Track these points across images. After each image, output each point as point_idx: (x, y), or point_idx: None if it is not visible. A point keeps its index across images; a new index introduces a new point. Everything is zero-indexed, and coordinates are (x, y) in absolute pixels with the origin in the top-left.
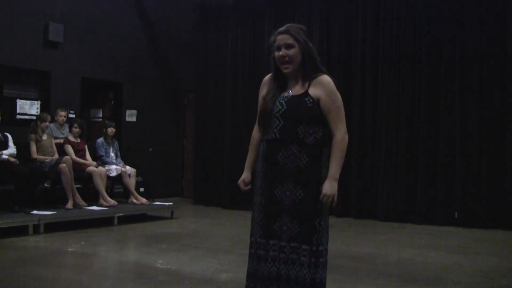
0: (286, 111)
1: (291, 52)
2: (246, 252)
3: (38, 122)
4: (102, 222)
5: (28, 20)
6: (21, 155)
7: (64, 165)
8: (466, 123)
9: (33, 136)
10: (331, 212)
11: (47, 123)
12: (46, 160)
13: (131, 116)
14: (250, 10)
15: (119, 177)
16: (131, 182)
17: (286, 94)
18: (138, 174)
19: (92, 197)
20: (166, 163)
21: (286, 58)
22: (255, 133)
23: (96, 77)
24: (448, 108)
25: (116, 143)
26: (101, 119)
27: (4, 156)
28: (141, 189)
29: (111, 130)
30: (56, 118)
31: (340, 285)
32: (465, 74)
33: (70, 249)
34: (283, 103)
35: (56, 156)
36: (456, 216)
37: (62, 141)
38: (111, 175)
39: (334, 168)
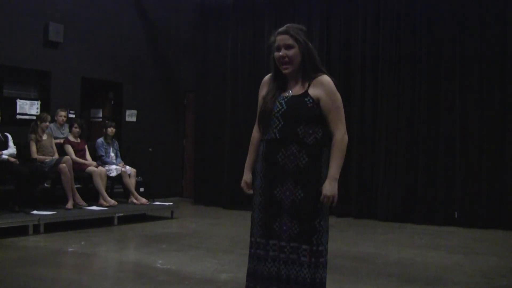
0: (286, 111)
1: (291, 52)
2: (246, 252)
3: (38, 122)
4: (102, 222)
5: (28, 20)
6: (21, 155)
7: (64, 165)
8: (466, 123)
9: (33, 136)
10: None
11: (47, 123)
12: (46, 160)
13: (131, 116)
14: (250, 10)
15: (119, 177)
16: (131, 182)
17: (286, 94)
18: (138, 174)
19: (92, 197)
20: (166, 163)
21: (286, 59)
22: (255, 133)
23: (96, 77)
24: (448, 108)
25: (116, 143)
26: (101, 119)
27: (4, 156)
28: (141, 189)
29: (111, 130)
30: (56, 118)
31: (340, 285)
32: (465, 74)
33: (70, 249)
34: (283, 103)
35: (56, 156)
36: (456, 216)
37: (62, 141)
38: (111, 175)
39: (334, 169)
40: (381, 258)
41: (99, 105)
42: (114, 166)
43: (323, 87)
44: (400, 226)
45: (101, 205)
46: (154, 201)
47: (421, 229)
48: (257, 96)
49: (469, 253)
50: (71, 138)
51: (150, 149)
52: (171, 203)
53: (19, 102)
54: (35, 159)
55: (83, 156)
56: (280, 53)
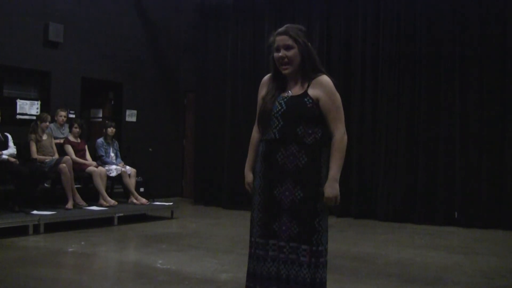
0: (286, 112)
1: (290, 53)
2: (246, 252)
3: (38, 122)
4: (102, 222)
5: (28, 20)
6: (21, 155)
7: (64, 165)
8: (466, 123)
9: (33, 136)
10: (331, 212)
11: (47, 123)
12: (46, 160)
13: (131, 116)
14: (250, 10)
15: (119, 177)
16: (131, 182)
17: (285, 94)
18: (138, 174)
19: (92, 197)
20: (166, 163)
21: (285, 59)
22: (255, 134)
23: (96, 77)
24: (448, 108)
25: (116, 143)
26: (101, 119)
27: (4, 156)
28: (141, 189)
29: (111, 130)
30: (56, 118)
31: (340, 285)
32: (465, 74)
33: (70, 249)
34: (283, 103)
35: (56, 156)
36: (456, 216)
37: (62, 141)
38: (111, 175)
39: (335, 169)
40: (381, 258)
41: (99, 105)
42: (114, 166)
43: (323, 87)
44: (400, 226)
45: (101, 205)
46: (154, 201)
47: (421, 229)
48: (257, 96)
49: (469, 253)
50: (71, 138)
51: (150, 149)
52: (171, 203)
53: (19, 102)
54: (35, 159)
55: (83, 156)
56: (280, 54)
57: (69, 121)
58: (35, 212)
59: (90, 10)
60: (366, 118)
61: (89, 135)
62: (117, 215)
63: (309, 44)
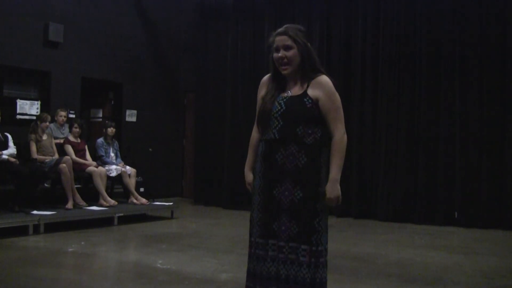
0: (285, 112)
1: (289, 53)
2: (246, 252)
3: (38, 122)
4: (102, 222)
5: (28, 20)
6: (21, 155)
7: (64, 165)
8: (466, 123)
9: (33, 136)
10: (331, 212)
11: (47, 123)
12: (46, 160)
13: (131, 116)
14: (250, 10)
15: (119, 177)
16: (131, 182)
17: (285, 94)
18: (138, 174)
19: (92, 197)
20: (166, 163)
21: (285, 60)
22: (254, 134)
23: (96, 77)
24: (448, 108)
25: (116, 143)
26: (101, 119)
27: (4, 156)
28: (141, 189)
29: (111, 130)
30: (56, 118)
31: (340, 285)
32: (465, 74)
33: (70, 249)
34: (282, 103)
35: (56, 156)
36: (456, 216)
37: (62, 141)
38: (111, 175)
39: (335, 170)
40: (381, 258)
41: (99, 105)
42: (114, 166)
43: (322, 87)
44: (400, 226)
45: (101, 205)
46: (154, 201)
47: (421, 229)
48: (257, 96)
49: (469, 253)
50: (71, 138)
51: (150, 149)
52: (171, 203)
53: (19, 102)
54: (35, 159)
55: (83, 156)
56: (279, 54)
57: (69, 121)
58: (35, 212)
59: (90, 10)
60: (366, 118)
61: (89, 135)
62: (117, 215)
63: (309, 44)
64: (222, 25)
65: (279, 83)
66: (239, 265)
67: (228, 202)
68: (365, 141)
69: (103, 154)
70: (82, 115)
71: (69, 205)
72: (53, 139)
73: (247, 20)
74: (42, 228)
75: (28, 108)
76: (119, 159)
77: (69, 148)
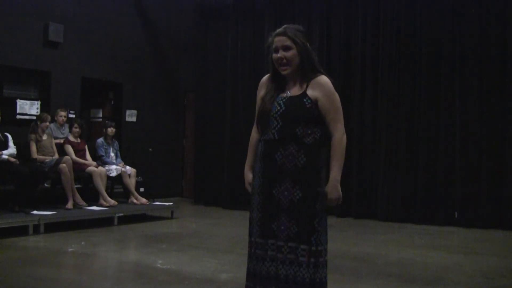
0: (285, 112)
1: (289, 54)
2: (246, 252)
3: (38, 122)
4: (102, 222)
5: (28, 20)
6: (21, 155)
7: (64, 165)
8: (466, 123)
9: (33, 136)
10: (331, 212)
11: (47, 123)
12: (46, 160)
13: (131, 116)
14: (250, 10)
15: (119, 177)
16: (131, 182)
17: (284, 95)
18: (138, 174)
19: (92, 197)
20: (166, 163)
21: (284, 60)
22: (254, 134)
23: (96, 77)
24: (448, 108)
25: (116, 143)
26: (101, 119)
27: (4, 156)
28: (141, 189)
29: (111, 130)
30: (56, 118)
31: (340, 285)
32: (465, 74)
33: (70, 249)
34: (282, 104)
35: (56, 156)
36: (456, 216)
37: (62, 141)
38: (111, 175)
39: (336, 170)
40: (381, 258)
41: (99, 105)
42: (114, 166)
43: (321, 87)
44: (400, 226)
45: (101, 205)
46: (154, 201)
47: (421, 229)
48: (256, 97)
49: (469, 253)
50: (71, 138)
51: (150, 149)
52: (171, 203)
53: (19, 102)
54: (35, 159)
55: (83, 156)
56: (278, 55)
57: (69, 121)
58: (35, 212)
59: (90, 10)
60: (366, 118)
61: (89, 135)
62: (117, 215)
63: (308, 44)
64: (222, 25)
65: (279, 83)
66: (239, 265)
67: (228, 202)
68: (365, 141)
69: (103, 154)
70: (82, 115)
71: (69, 205)
72: (53, 139)
73: (247, 20)
74: (42, 228)
75: (28, 108)
76: (119, 159)
77: (69, 148)
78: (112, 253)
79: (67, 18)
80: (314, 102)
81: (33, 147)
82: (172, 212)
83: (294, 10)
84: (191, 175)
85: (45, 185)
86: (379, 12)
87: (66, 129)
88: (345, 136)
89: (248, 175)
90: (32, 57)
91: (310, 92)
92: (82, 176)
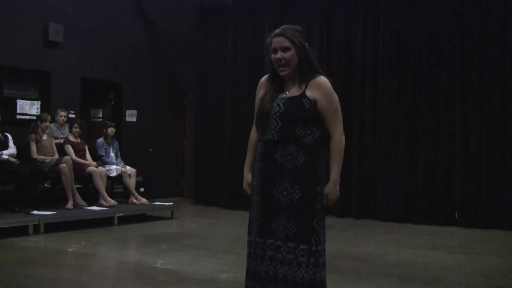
0: (284, 113)
1: (287, 55)
2: (246, 252)
3: (38, 122)
4: (102, 222)
5: (28, 20)
6: (21, 155)
7: (64, 165)
8: (466, 123)
9: (33, 136)
10: (331, 212)
11: (47, 123)
12: (46, 160)
13: (131, 116)
14: (250, 10)
15: (119, 177)
16: (131, 182)
17: (283, 95)
18: (138, 174)
19: (92, 197)
20: (166, 163)
21: (283, 61)
22: (253, 134)
23: (96, 77)
24: (448, 108)
25: (116, 143)
26: (101, 119)
27: (4, 156)
28: (141, 189)
29: (111, 130)
30: (56, 118)
31: (340, 285)
32: (465, 74)
33: (70, 249)
34: (281, 104)
35: (56, 156)
36: (456, 216)
37: (62, 141)
38: (111, 175)
39: (336, 171)
40: (381, 258)
41: (99, 105)
42: (114, 166)
43: (320, 88)
44: (400, 226)
45: (101, 205)
46: (154, 201)
47: (421, 229)
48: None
49: (469, 253)
50: (71, 138)
51: (150, 149)
52: (171, 203)
53: (19, 102)
54: (35, 159)
55: (83, 156)
56: (277, 56)
57: (69, 121)
58: (35, 212)
59: (90, 10)
60: (366, 118)
61: (89, 135)
62: (117, 215)
63: (306, 44)
64: (222, 25)
65: (278, 84)
66: (239, 265)
67: (228, 202)
68: (365, 141)
69: (103, 154)
70: (82, 115)
71: (69, 205)
72: (53, 139)
73: (247, 20)
74: (42, 228)
75: (28, 108)
76: (119, 159)
77: (69, 148)
78: (112, 253)
79: (67, 18)
80: (313, 103)
81: (33, 147)
82: (172, 212)
83: (294, 10)
84: (191, 175)
85: (45, 185)
86: (379, 12)
87: (66, 129)
88: (344, 137)
89: (248, 176)
90: (32, 57)
91: (309, 93)
92: (82, 176)
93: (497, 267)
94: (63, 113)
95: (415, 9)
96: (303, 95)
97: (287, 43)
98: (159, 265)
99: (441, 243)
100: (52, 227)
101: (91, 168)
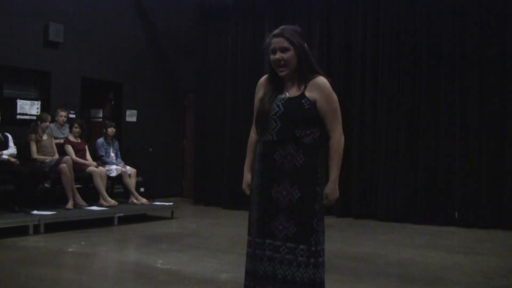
0: (283, 113)
1: (286, 55)
2: (246, 252)
3: (38, 122)
4: (102, 222)
5: (28, 20)
6: (21, 155)
7: (64, 165)
8: (466, 123)
9: (33, 136)
10: (331, 212)
11: (47, 123)
12: (46, 160)
13: (131, 116)
14: (250, 10)
15: (119, 177)
16: (131, 182)
17: (282, 96)
18: (138, 174)
19: (92, 197)
20: (166, 163)
21: (282, 62)
22: (253, 135)
23: (96, 77)
24: (448, 108)
25: (116, 143)
26: (101, 119)
27: (4, 156)
28: (141, 189)
29: (111, 130)
30: (56, 118)
31: (340, 285)
32: (465, 74)
33: (70, 249)
34: (280, 105)
35: (57, 156)
36: (456, 216)
37: (62, 141)
38: (111, 175)
39: (335, 171)
40: (381, 258)
41: (99, 105)
42: (114, 166)
43: (320, 89)
44: (400, 226)
45: (101, 205)
46: (154, 201)
47: (421, 229)
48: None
49: (469, 253)
50: (71, 138)
51: (150, 149)
52: (171, 203)
53: (19, 102)
54: (35, 159)
55: (83, 156)
56: (276, 56)
57: (69, 121)
58: (35, 212)
59: (90, 10)
60: (366, 118)
61: (89, 135)
62: (117, 215)
63: (305, 45)
64: (222, 25)
65: (277, 84)
66: (239, 265)
67: (228, 202)
68: (365, 141)
69: (103, 154)
70: (82, 115)
71: (69, 205)
72: (53, 139)
73: (247, 20)
74: (42, 228)
75: (28, 108)
76: (119, 159)
77: (69, 148)
78: (112, 253)
79: (67, 18)
80: (313, 103)
81: (33, 147)
82: (172, 212)
83: (294, 10)
84: (191, 175)
85: (45, 185)
86: (379, 12)
87: (66, 129)
88: (343, 137)
89: (247, 176)
90: (32, 57)
91: (308, 93)
92: (82, 176)
93: (497, 267)
94: (63, 113)
95: (415, 9)
96: (302, 95)
97: (286, 44)
98: (159, 265)
99: (441, 243)
100: (52, 227)
101: (91, 168)
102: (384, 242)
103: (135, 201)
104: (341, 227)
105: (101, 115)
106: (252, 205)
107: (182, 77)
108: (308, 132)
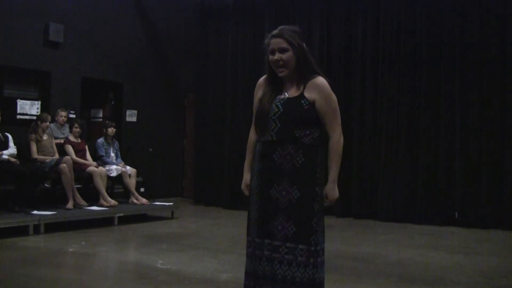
0: (283, 114)
1: (285, 56)
2: (245, 252)
3: (39, 122)
4: (102, 222)
5: (28, 20)
6: (22, 155)
7: (64, 165)
8: (466, 123)
9: (33, 136)
10: (331, 212)
11: (48, 123)
12: (47, 160)
13: (131, 116)
14: (250, 10)
15: (120, 177)
16: (132, 182)
17: (282, 96)
18: (138, 174)
19: (93, 197)
20: (166, 163)
21: (281, 62)
22: (252, 135)
23: (96, 77)
24: (448, 108)
25: (116, 143)
26: (101, 119)
27: (5, 156)
28: (142, 189)
29: (111, 130)
30: (56, 118)
31: (340, 285)
32: (465, 74)
33: (70, 249)
34: (279, 105)
35: (57, 156)
36: (456, 216)
37: (62, 141)
38: (111, 175)
39: (335, 171)
40: (381, 258)
41: (99, 105)
42: (114, 166)
43: (319, 89)
44: (400, 226)
45: (101, 205)
46: (154, 201)
47: (421, 229)
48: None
49: (469, 253)
50: (71, 138)
51: (150, 149)
52: (171, 203)
53: (20, 102)
54: (36, 159)
55: (83, 156)
56: (275, 57)
57: (70, 121)
58: (35, 212)
59: (90, 10)
60: (366, 118)
61: (89, 135)
62: (117, 215)
63: (304, 45)
64: (222, 25)
65: (276, 84)
66: (239, 265)
67: (228, 202)
68: (365, 141)
69: (104, 154)
70: (82, 115)
71: (70, 205)
72: (53, 139)
73: (247, 20)
74: (42, 228)
75: (28, 108)
76: (119, 159)
77: (70, 148)
78: (112, 253)
79: (67, 18)
80: (312, 104)
81: (34, 147)
82: (172, 212)
83: (294, 10)
84: (191, 175)
85: (45, 185)
86: (379, 12)
87: (66, 129)
88: (342, 137)
89: (246, 176)
90: (32, 57)
91: (307, 94)
92: (83, 176)
93: (497, 267)
94: (63, 113)
95: (415, 9)
96: (301, 96)
97: (284, 44)
98: (159, 265)
99: (441, 243)
100: (52, 227)
101: (91, 168)
102: (384, 242)
103: (135, 201)
104: (341, 227)
105: (101, 115)
106: (251, 205)
107: (182, 77)
108: (307, 132)
